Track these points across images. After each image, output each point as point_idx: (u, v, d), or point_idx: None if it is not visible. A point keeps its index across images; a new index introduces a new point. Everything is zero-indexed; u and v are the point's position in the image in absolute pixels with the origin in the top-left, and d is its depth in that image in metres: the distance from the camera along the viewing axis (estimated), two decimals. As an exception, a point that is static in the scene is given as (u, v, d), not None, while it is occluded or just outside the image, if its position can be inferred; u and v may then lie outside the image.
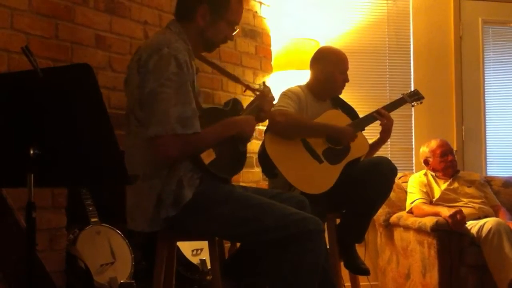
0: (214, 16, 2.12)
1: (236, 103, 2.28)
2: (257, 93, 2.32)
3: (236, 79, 2.37)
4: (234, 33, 2.21)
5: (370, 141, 3.00)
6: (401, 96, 3.16)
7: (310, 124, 2.86)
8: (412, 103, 3.17)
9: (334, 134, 2.84)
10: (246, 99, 3.60)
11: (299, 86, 3.02)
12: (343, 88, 3.02)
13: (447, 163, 3.85)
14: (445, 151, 3.88)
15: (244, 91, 2.37)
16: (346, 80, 2.98)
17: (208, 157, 2.05)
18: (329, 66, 2.96)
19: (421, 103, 3.21)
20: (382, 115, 2.95)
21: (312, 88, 3.00)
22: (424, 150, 3.97)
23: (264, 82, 2.43)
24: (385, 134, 2.98)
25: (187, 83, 1.96)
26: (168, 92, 1.90)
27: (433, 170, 3.90)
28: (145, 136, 1.96)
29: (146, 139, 1.96)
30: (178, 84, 1.92)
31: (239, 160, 2.23)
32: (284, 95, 2.90)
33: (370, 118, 2.97)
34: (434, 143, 3.93)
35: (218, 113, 2.21)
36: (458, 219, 3.33)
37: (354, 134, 2.84)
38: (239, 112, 2.27)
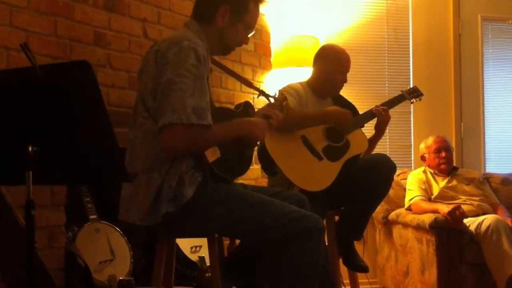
0: (233, 17, 2.13)
1: (248, 106, 2.27)
2: (271, 99, 2.31)
3: (249, 84, 2.36)
4: (249, 36, 2.22)
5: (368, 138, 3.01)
6: (400, 93, 3.16)
7: (308, 114, 2.86)
8: (411, 100, 3.18)
9: (332, 118, 2.84)
10: (243, 96, 3.60)
11: (300, 83, 3.02)
12: (341, 88, 3.02)
13: (440, 160, 3.85)
14: (439, 147, 3.89)
15: (258, 96, 2.37)
16: (344, 80, 2.97)
17: (212, 155, 2.04)
18: (330, 65, 2.96)
19: (420, 100, 3.22)
20: (381, 111, 2.95)
21: (313, 85, 3.01)
22: (422, 146, 4.01)
23: (280, 91, 2.42)
24: (379, 128, 2.99)
25: (204, 76, 1.96)
26: (186, 82, 1.89)
27: (429, 166, 3.92)
28: (149, 128, 1.96)
29: (149, 130, 1.96)
30: (195, 76, 1.91)
31: (243, 163, 2.21)
32: (283, 90, 2.90)
33: (369, 115, 2.98)
34: (430, 140, 3.95)
35: (228, 114, 2.20)
36: (457, 215, 3.33)
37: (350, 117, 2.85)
38: (251, 115, 2.25)
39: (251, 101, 3.06)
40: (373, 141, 3.03)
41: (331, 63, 2.96)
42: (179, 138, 1.89)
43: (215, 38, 2.14)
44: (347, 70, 2.98)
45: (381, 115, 2.96)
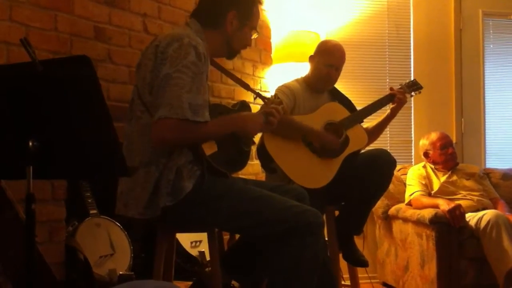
0: (241, 22, 2.15)
1: (243, 105, 2.28)
2: (267, 101, 2.31)
3: (246, 87, 2.36)
4: (252, 38, 2.24)
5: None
6: (399, 86, 3.16)
7: (293, 125, 2.79)
8: (411, 93, 3.17)
9: (314, 137, 2.81)
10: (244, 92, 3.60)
11: (297, 80, 3.03)
12: (333, 82, 3.00)
13: (448, 156, 3.85)
14: (445, 143, 3.88)
15: (254, 99, 2.37)
16: (331, 74, 2.95)
17: (209, 149, 2.04)
18: (317, 58, 2.99)
19: (419, 93, 3.21)
20: (399, 93, 3.01)
21: (308, 80, 3.03)
22: (424, 142, 3.97)
23: (276, 95, 2.43)
24: (395, 110, 3.01)
25: (203, 74, 1.97)
26: (183, 78, 1.90)
27: (433, 162, 3.90)
28: (146, 122, 1.96)
29: (146, 124, 1.96)
30: (194, 73, 1.92)
31: (240, 159, 2.22)
32: (278, 90, 2.91)
33: (388, 98, 3.03)
34: (434, 136, 3.93)
35: (224, 111, 2.21)
36: (457, 215, 3.33)
37: (328, 139, 2.80)
38: None
39: (252, 98, 3.05)
40: (385, 122, 3.05)
41: (318, 57, 2.98)
42: (170, 130, 1.89)
43: (221, 43, 2.16)
44: (335, 64, 2.94)
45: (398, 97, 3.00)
